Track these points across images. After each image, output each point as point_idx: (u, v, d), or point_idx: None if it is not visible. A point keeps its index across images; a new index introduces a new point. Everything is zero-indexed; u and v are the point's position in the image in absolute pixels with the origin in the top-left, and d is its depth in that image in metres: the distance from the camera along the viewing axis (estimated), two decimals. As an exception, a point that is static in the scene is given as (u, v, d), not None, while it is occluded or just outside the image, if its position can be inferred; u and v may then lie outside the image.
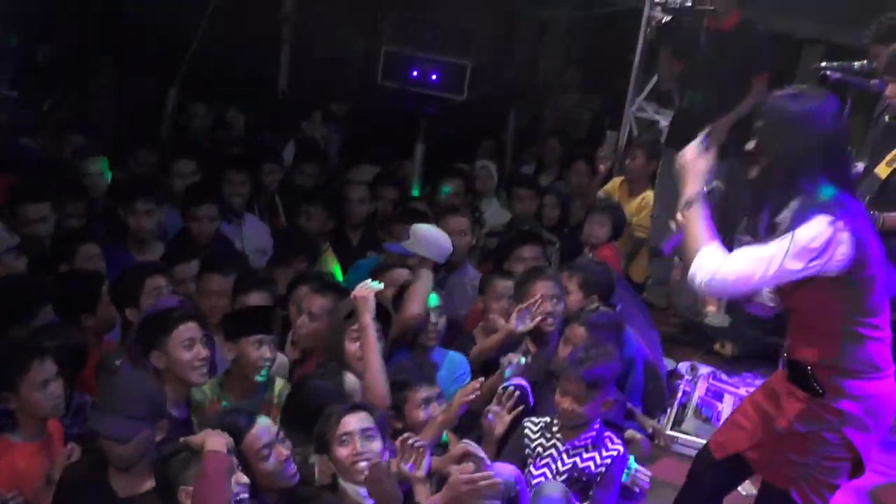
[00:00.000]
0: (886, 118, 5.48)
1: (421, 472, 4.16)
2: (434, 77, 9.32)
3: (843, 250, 3.54)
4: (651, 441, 5.76)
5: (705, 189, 3.82)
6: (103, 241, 6.02)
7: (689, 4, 7.60)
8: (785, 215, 3.66)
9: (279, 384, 5.03)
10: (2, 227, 5.77)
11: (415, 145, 8.96)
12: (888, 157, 5.27)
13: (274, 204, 7.79)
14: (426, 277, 5.53)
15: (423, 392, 4.74)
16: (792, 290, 3.71)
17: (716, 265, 3.64)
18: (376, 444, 4.17)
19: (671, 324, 7.59)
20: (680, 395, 6.33)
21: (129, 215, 6.27)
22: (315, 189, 7.83)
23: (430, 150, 9.20)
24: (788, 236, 3.56)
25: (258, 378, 4.84)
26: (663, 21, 7.73)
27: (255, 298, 5.36)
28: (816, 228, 3.53)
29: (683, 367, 6.73)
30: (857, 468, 3.89)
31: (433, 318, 5.46)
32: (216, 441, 3.80)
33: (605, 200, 8.06)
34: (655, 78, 8.57)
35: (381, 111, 9.51)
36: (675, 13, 7.65)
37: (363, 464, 4.09)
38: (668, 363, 6.64)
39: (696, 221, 3.73)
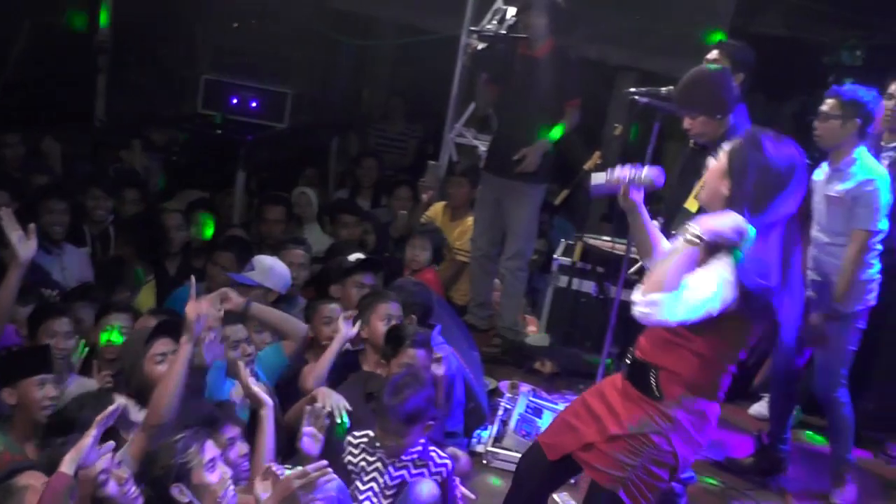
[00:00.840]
0: (691, 143, 5.55)
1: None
2: (254, 105, 9.24)
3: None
4: (472, 457, 5.77)
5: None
6: None
7: (504, 32, 7.68)
8: None
9: None
10: None
11: (235, 173, 8.74)
12: (695, 191, 5.32)
13: (107, 234, 7.53)
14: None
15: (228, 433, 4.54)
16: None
17: (677, 314, 3.58)
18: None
19: (492, 344, 7.56)
20: (501, 412, 6.32)
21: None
22: (134, 217, 7.64)
23: (254, 178, 9.04)
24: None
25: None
26: (479, 48, 7.78)
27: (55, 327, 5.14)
28: None
29: (504, 385, 6.75)
30: (674, 476, 3.94)
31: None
32: (65, 462, 3.63)
33: (426, 225, 8.04)
34: (474, 104, 8.59)
35: (202, 139, 9.28)
36: (491, 40, 7.72)
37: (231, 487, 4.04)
38: (490, 382, 6.66)
39: (687, 259, 3.59)
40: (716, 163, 3.76)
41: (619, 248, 6.63)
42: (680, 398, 3.80)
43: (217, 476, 4.05)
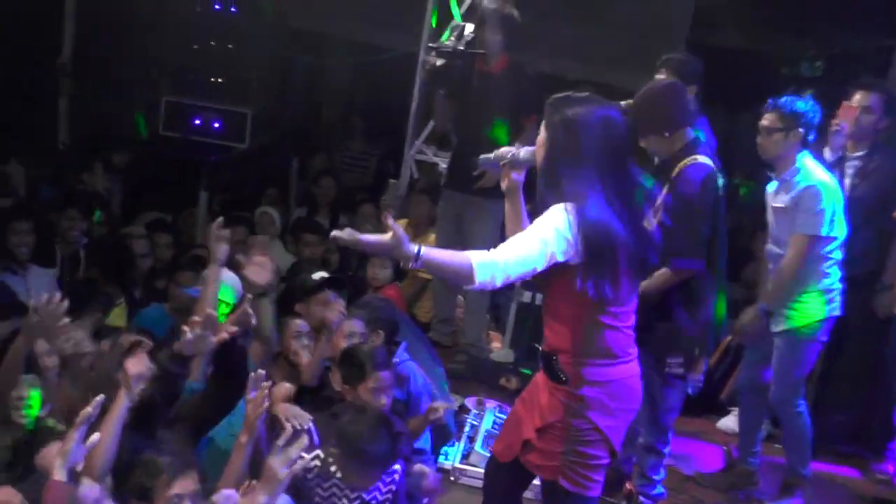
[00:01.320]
0: (656, 160, 5.52)
1: None
2: (216, 125, 9.22)
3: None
4: (440, 474, 5.69)
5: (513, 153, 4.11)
6: None
7: (462, 48, 7.66)
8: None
9: None
10: None
11: (198, 193, 8.70)
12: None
13: (77, 256, 7.53)
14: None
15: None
16: (545, 278, 3.78)
17: (498, 260, 3.65)
18: None
19: (457, 360, 7.48)
20: (468, 429, 6.28)
21: None
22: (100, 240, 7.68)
23: (216, 198, 9.02)
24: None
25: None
26: (437, 64, 7.76)
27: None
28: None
29: (470, 402, 6.69)
30: (612, 450, 3.99)
31: None
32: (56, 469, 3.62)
33: None
34: (433, 121, 8.57)
35: (164, 160, 9.27)
36: (448, 56, 7.69)
37: None
38: (455, 398, 6.57)
39: (437, 256, 3.70)
40: None
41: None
42: (582, 375, 3.86)
43: None
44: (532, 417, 4.04)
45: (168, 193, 8.99)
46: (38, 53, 9.89)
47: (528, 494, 4.48)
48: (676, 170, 5.22)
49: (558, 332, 3.92)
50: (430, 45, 8.24)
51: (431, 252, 3.63)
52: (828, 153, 6.11)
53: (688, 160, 5.23)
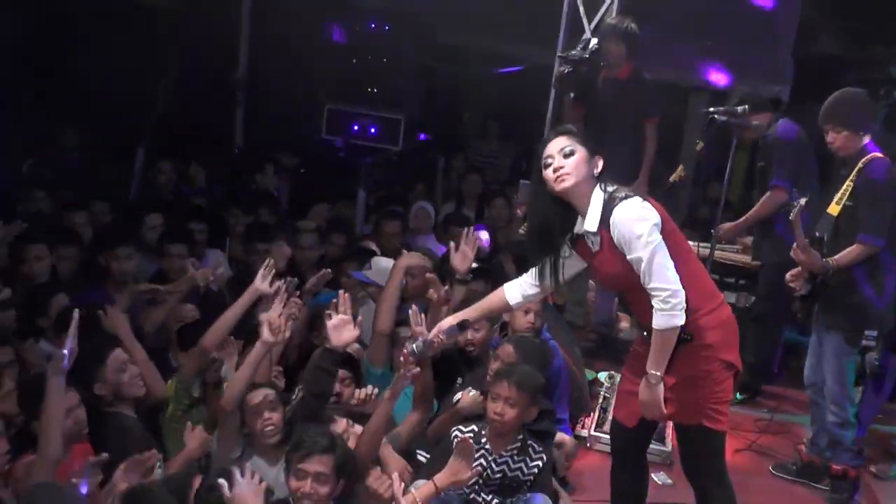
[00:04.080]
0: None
1: None
2: (372, 130, 9.36)
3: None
4: (577, 441, 5.80)
5: None
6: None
7: (587, 56, 7.64)
8: None
9: None
10: None
11: (357, 191, 8.89)
12: (837, 196, 5.34)
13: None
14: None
15: None
16: (623, 273, 3.86)
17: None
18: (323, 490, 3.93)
19: (590, 339, 7.58)
20: (601, 400, 6.37)
21: (112, 260, 6.17)
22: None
23: (372, 195, 9.19)
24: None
25: None
26: (565, 71, 7.75)
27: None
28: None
29: (602, 376, 6.77)
30: (737, 374, 4.09)
31: None
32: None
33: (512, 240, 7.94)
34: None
35: (326, 162, 9.46)
36: (575, 64, 7.67)
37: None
38: (589, 373, 6.65)
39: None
40: None
41: (703, 250, 6.57)
42: (701, 325, 3.90)
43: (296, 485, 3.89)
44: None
45: (330, 191, 9.11)
46: (217, 72, 10.24)
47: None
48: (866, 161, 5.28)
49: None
50: (560, 55, 8.24)
51: None
52: None
53: (871, 156, 5.29)
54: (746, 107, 6.15)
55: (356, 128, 9.37)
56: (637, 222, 3.77)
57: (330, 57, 9.59)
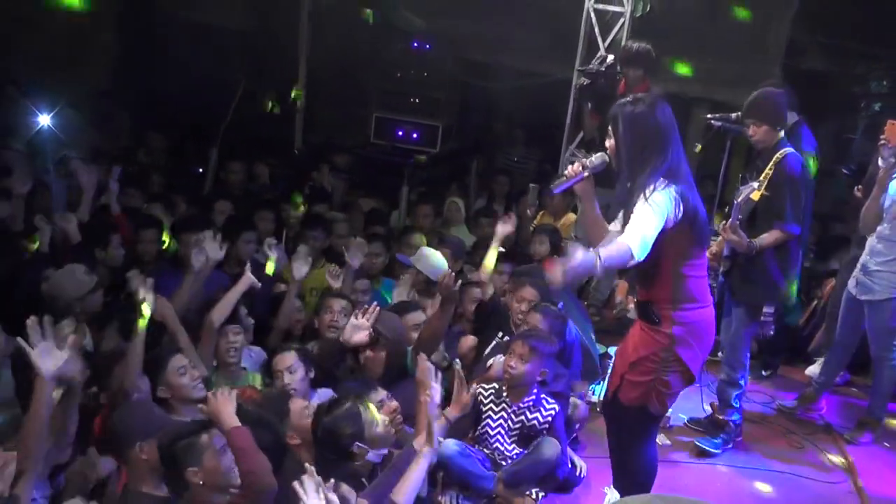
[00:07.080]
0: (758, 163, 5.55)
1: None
2: (414, 135, 9.58)
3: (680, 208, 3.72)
4: (588, 406, 5.88)
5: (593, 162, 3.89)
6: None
7: (604, 69, 7.70)
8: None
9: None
10: (81, 269, 5.20)
11: (401, 188, 9.06)
12: (757, 185, 5.36)
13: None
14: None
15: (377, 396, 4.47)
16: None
17: (644, 234, 3.61)
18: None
19: (602, 317, 7.66)
20: (610, 371, 6.33)
21: (182, 246, 6.34)
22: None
23: (414, 192, 9.28)
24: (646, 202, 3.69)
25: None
26: (584, 83, 7.82)
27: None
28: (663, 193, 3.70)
29: (612, 349, 6.74)
30: (690, 378, 4.03)
31: None
32: (232, 416, 3.41)
33: (544, 225, 7.99)
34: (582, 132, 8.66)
35: (374, 163, 9.61)
36: (592, 77, 7.74)
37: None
38: (600, 347, 6.71)
39: (607, 258, 3.49)
40: None
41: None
42: (671, 317, 3.89)
43: (385, 429, 3.94)
44: (625, 356, 4.12)
45: (378, 188, 9.27)
46: (279, 83, 10.41)
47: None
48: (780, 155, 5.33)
49: (654, 285, 3.93)
50: (578, 68, 8.31)
51: (605, 259, 3.45)
52: (881, 162, 5.69)
53: (785, 150, 5.35)
54: (739, 113, 6.20)
55: (400, 133, 9.61)
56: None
57: (378, 71, 9.77)
